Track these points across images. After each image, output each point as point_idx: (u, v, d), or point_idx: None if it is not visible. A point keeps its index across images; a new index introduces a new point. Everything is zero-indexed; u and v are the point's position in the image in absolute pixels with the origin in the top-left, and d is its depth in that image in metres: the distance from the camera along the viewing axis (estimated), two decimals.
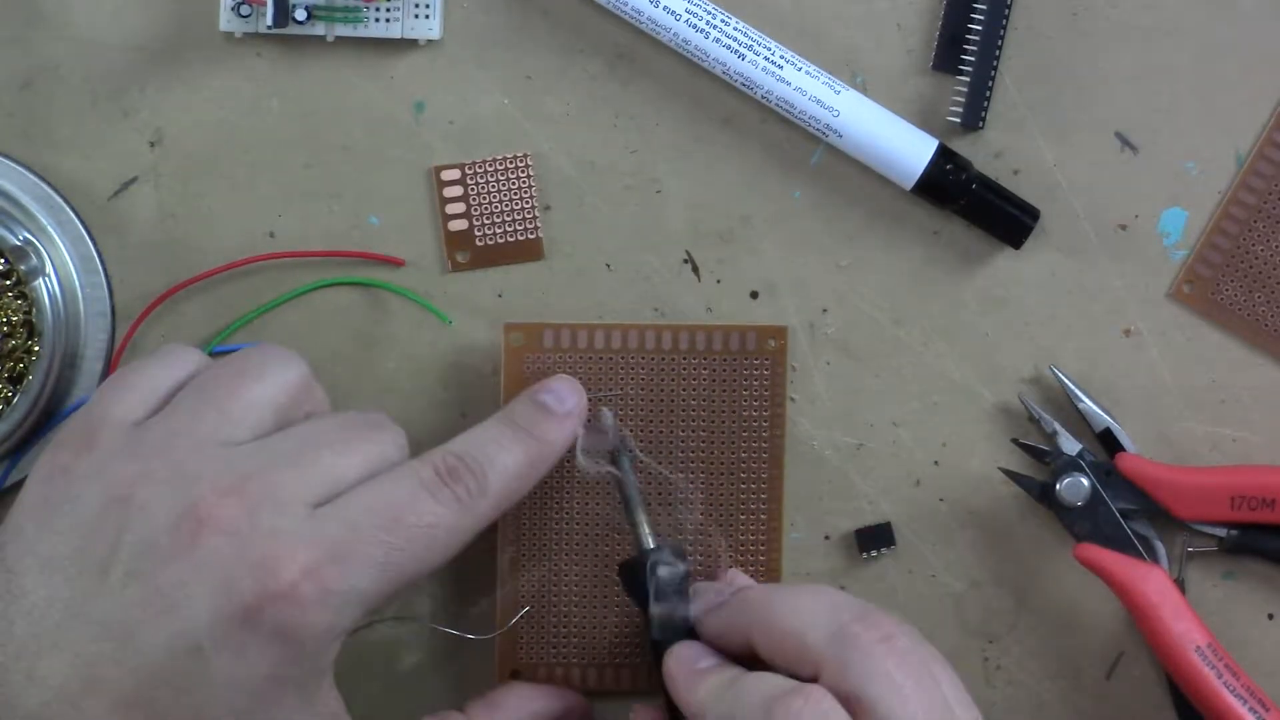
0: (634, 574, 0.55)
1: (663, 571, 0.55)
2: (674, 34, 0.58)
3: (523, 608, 0.59)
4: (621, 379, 0.59)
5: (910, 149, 0.58)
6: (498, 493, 0.53)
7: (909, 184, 0.59)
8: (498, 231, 0.60)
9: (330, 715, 0.51)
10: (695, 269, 0.60)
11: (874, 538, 0.60)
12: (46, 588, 0.49)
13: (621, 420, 0.59)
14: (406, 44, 0.60)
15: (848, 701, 0.48)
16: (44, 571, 0.49)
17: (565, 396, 0.56)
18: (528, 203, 0.60)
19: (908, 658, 0.49)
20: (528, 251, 0.60)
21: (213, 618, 0.48)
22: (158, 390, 0.53)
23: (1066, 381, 0.59)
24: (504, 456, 0.53)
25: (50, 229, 0.59)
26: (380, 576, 0.50)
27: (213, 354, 0.55)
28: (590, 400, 0.57)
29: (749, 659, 0.52)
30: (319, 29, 0.59)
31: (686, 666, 0.53)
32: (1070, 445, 0.59)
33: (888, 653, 0.49)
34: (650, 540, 0.56)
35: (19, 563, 0.49)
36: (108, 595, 0.48)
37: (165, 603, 0.48)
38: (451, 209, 0.60)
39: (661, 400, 0.59)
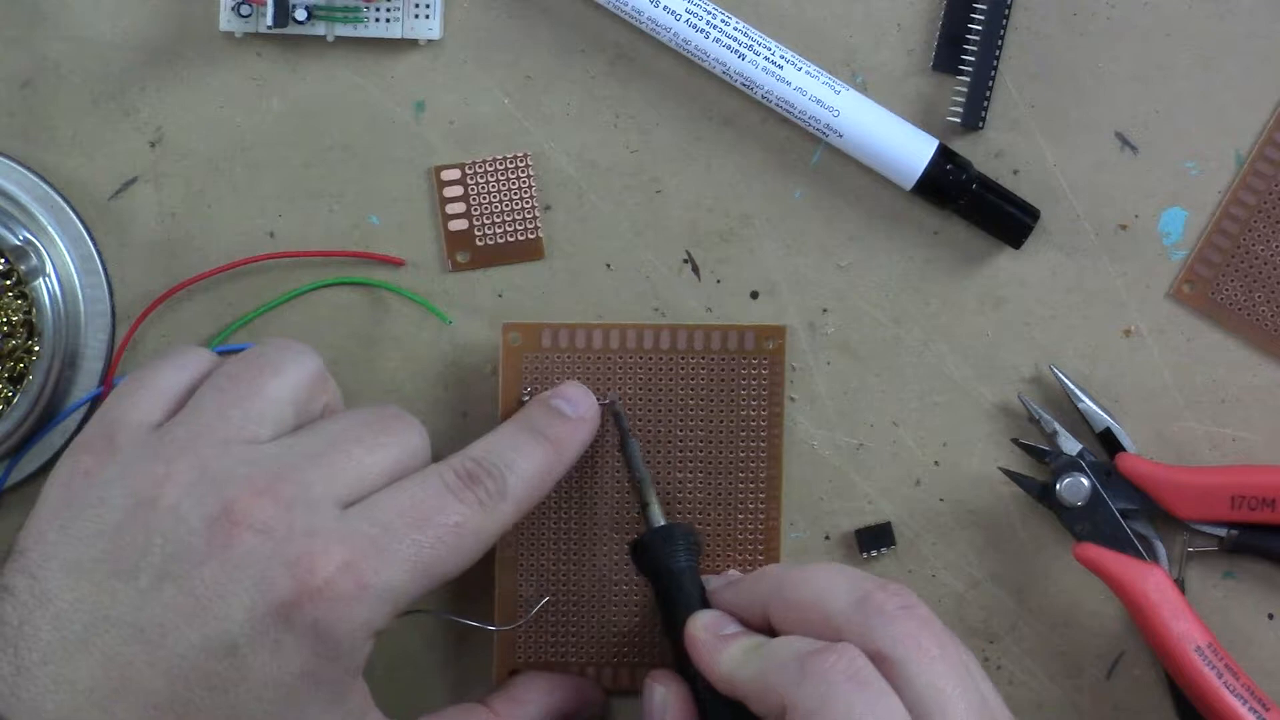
0: (646, 551, 0.56)
1: (678, 546, 0.55)
2: (674, 34, 0.58)
3: (542, 598, 0.59)
4: (620, 378, 0.59)
5: (910, 149, 0.58)
6: (518, 496, 0.53)
7: (909, 184, 0.59)
8: (498, 231, 0.60)
9: (360, 709, 0.51)
10: (695, 269, 0.60)
11: (874, 537, 0.60)
12: (73, 592, 0.49)
13: (618, 420, 0.59)
14: (406, 44, 0.60)
15: (873, 661, 0.49)
16: (70, 575, 0.49)
17: (578, 401, 0.57)
18: (528, 203, 0.60)
19: (930, 624, 0.50)
20: (528, 251, 0.60)
21: (249, 616, 0.48)
22: (173, 391, 0.53)
23: (1066, 381, 0.59)
24: (522, 461, 0.54)
25: (50, 229, 0.59)
26: (412, 575, 0.50)
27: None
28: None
29: (764, 633, 0.53)
30: (319, 29, 0.59)
31: (711, 632, 0.53)
32: (1070, 445, 0.59)
33: (910, 618, 0.50)
34: (661, 519, 0.56)
35: (43, 568, 0.49)
36: (138, 598, 0.49)
37: (199, 604, 0.48)
38: (451, 209, 0.60)
39: (660, 400, 0.59)
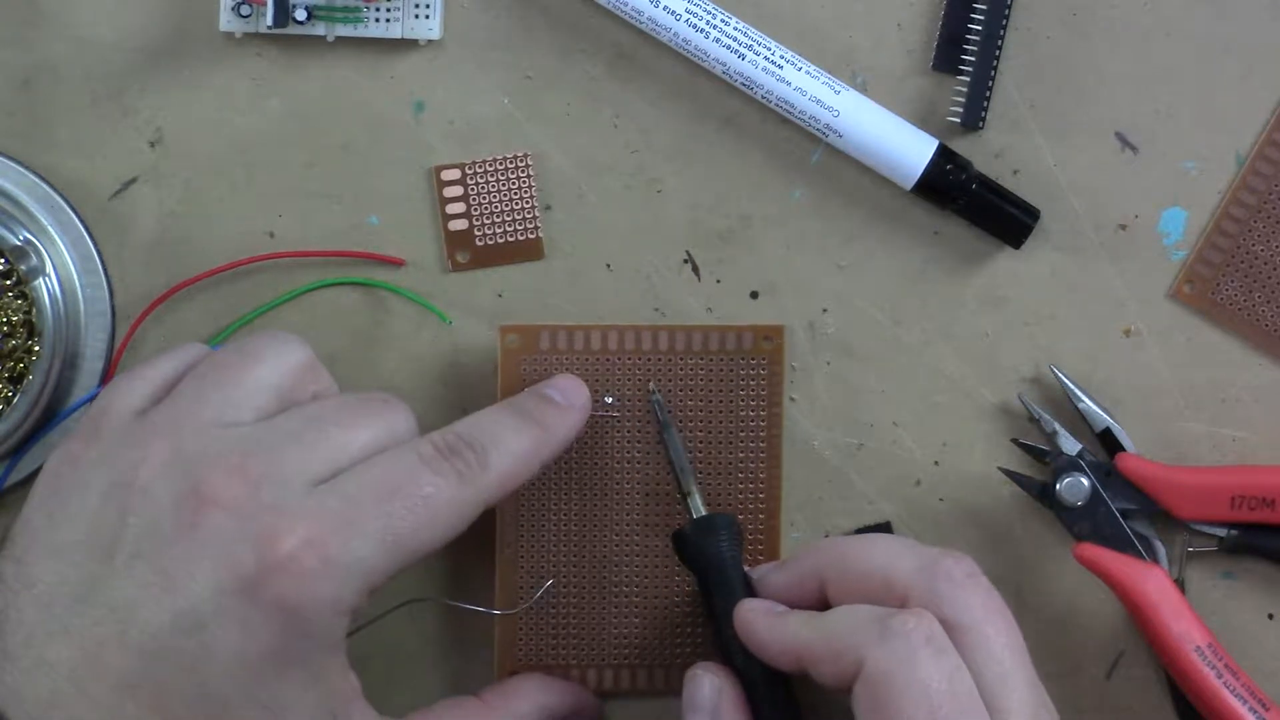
0: (689, 542, 0.56)
1: (721, 535, 0.56)
2: (674, 34, 0.58)
3: (545, 581, 0.59)
4: (618, 380, 0.59)
5: (910, 149, 0.58)
6: (499, 470, 0.53)
7: (909, 184, 0.59)
8: (498, 231, 0.60)
9: (342, 694, 0.51)
10: (695, 269, 0.60)
11: None
12: (55, 574, 0.49)
13: (618, 421, 0.59)
14: (406, 44, 0.60)
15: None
16: (52, 559, 0.50)
17: (568, 390, 0.57)
18: (528, 203, 0.60)
19: (994, 596, 0.51)
20: (528, 251, 0.60)
21: (215, 592, 0.48)
22: (159, 381, 0.53)
23: (1066, 381, 0.59)
24: (507, 436, 0.54)
25: (50, 229, 0.60)
26: (381, 547, 0.50)
27: None
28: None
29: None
30: (319, 29, 0.59)
31: (764, 612, 0.53)
32: (1070, 445, 0.59)
33: (977, 587, 0.51)
34: (703, 508, 0.57)
35: (28, 552, 0.50)
36: (114, 578, 0.49)
37: (169, 581, 0.49)
38: (451, 209, 0.60)
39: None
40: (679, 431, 0.58)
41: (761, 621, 0.53)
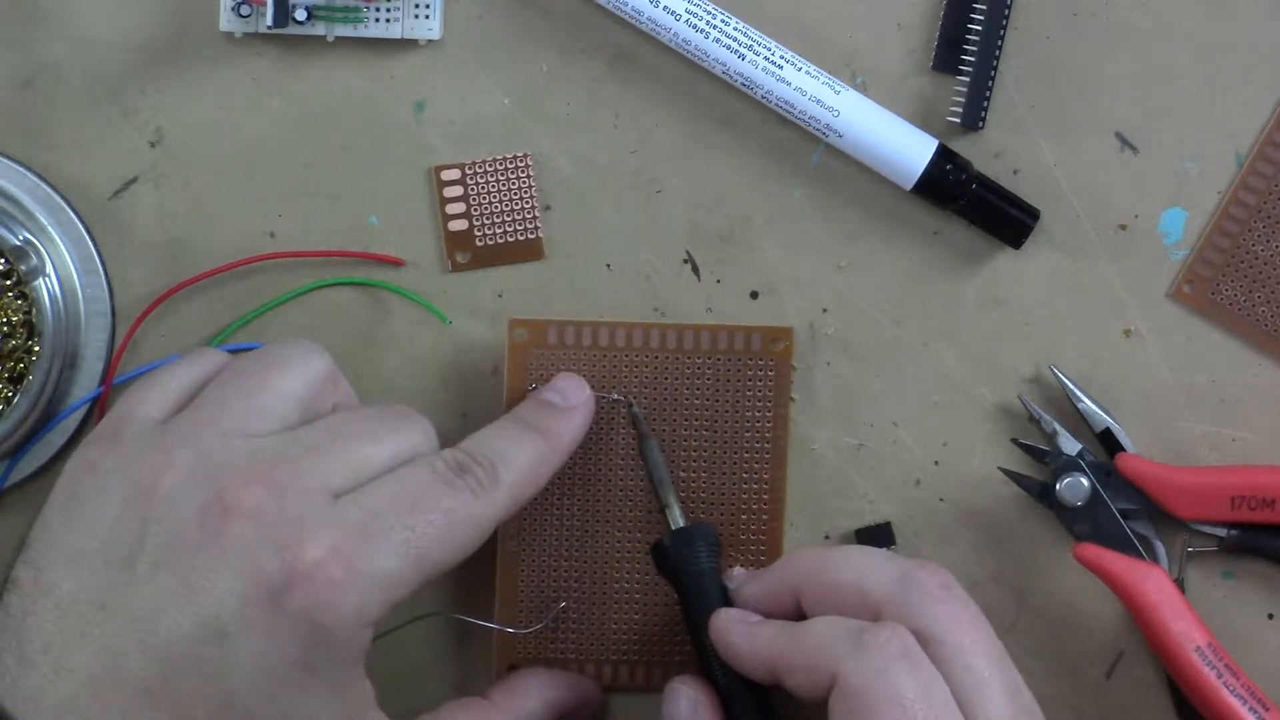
0: (667, 554, 0.56)
1: (699, 547, 0.56)
2: (674, 34, 0.58)
3: (560, 603, 0.59)
4: (625, 376, 0.59)
5: (910, 149, 0.58)
6: (510, 484, 0.53)
7: (909, 184, 0.59)
8: (498, 231, 0.60)
9: (360, 707, 0.51)
10: (695, 269, 0.60)
11: (874, 538, 0.60)
12: (74, 581, 0.49)
13: (620, 417, 0.59)
14: (406, 44, 0.60)
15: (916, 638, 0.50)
16: (71, 565, 0.49)
17: (570, 393, 0.57)
18: (528, 203, 0.60)
19: (969, 607, 0.51)
20: (528, 251, 0.60)
21: (239, 601, 0.48)
22: (181, 388, 0.53)
23: (1066, 381, 0.59)
24: (513, 450, 0.54)
25: (50, 229, 0.60)
26: (403, 560, 0.50)
27: None
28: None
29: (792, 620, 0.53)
30: (319, 29, 0.59)
31: (739, 621, 0.54)
32: (1070, 445, 0.59)
33: (951, 599, 0.51)
34: (682, 519, 0.57)
35: (46, 558, 0.50)
36: (134, 586, 0.49)
37: (192, 589, 0.48)
38: (451, 209, 0.60)
39: (665, 398, 0.59)
40: (658, 443, 0.58)
41: (736, 630, 0.53)
